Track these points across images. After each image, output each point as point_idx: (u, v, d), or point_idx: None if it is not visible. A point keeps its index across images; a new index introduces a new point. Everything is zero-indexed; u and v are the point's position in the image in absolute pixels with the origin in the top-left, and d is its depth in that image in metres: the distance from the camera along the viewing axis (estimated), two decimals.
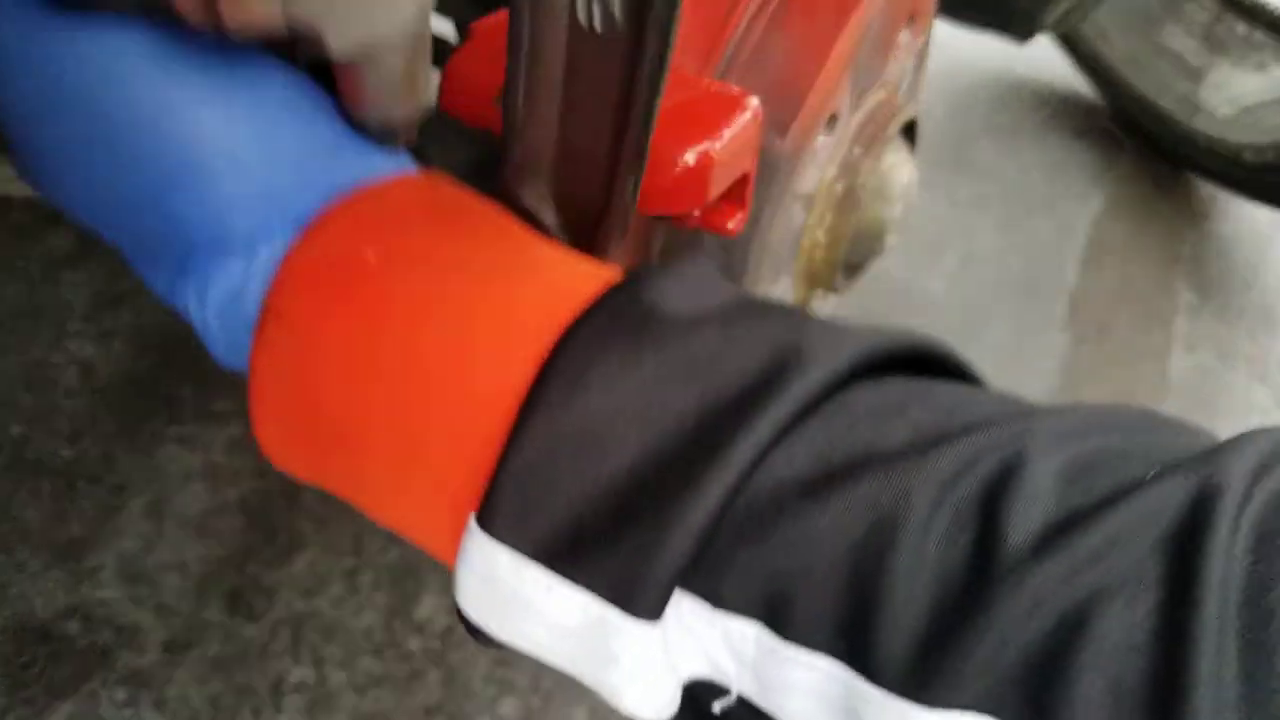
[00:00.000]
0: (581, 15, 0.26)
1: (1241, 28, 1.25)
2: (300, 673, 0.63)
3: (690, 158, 0.32)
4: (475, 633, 0.26)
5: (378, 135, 0.30)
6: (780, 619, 0.22)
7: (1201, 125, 1.19)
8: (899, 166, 0.49)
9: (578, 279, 0.26)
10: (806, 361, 0.23)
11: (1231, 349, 1.07)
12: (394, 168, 0.30)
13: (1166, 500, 0.21)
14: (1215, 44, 1.25)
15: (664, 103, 0.32)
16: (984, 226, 1.13)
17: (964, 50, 1.31)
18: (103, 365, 0.74)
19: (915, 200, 0.51)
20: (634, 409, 0.23)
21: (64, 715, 0.59)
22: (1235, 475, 0.21)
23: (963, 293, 1.04)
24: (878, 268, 0.62)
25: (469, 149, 0.38)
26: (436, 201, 0.28)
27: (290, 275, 0.26)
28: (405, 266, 0.26)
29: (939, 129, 1.23)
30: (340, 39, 0.26)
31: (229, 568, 0.66)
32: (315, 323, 0.25)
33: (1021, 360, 0.99)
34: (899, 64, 0.51)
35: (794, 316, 0.25)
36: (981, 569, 0.20)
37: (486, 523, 0.23)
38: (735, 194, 0.35)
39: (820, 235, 0.48)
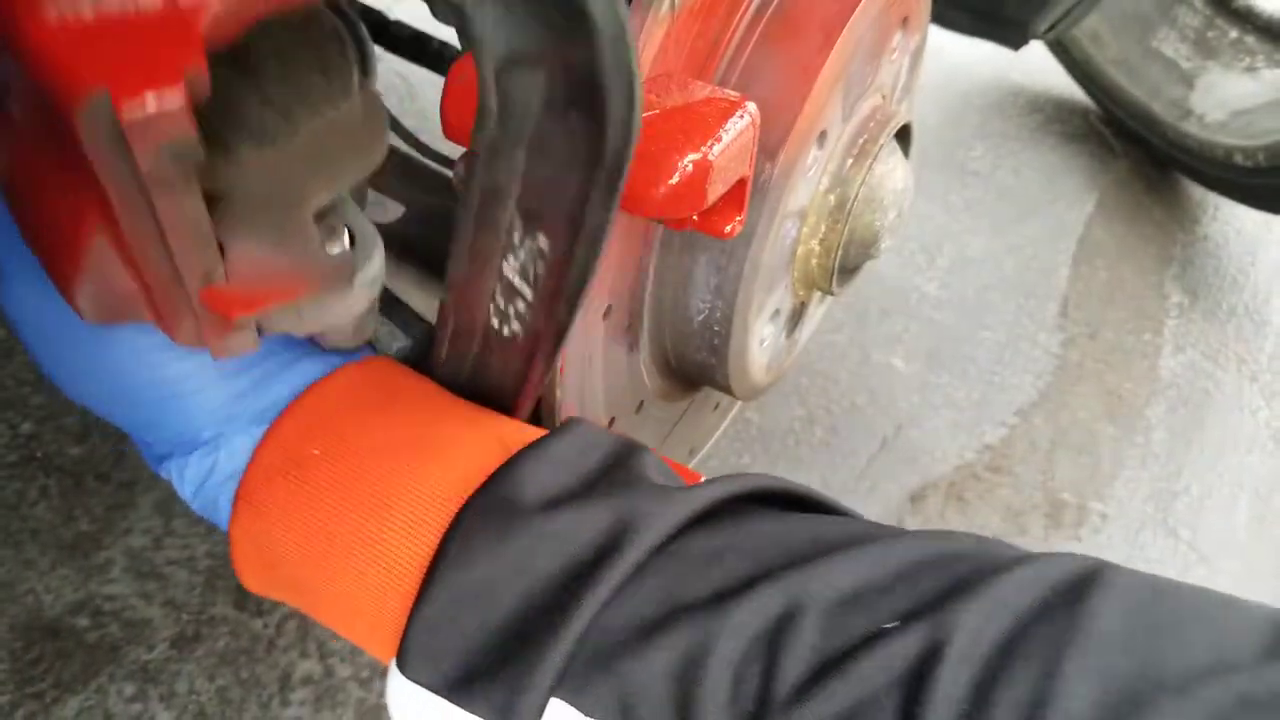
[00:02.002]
0: (495, 324, 0.36)
1: (1233, 32, 1.26)
2: (307, 666, 0.64)
3: (688, 163, 0.32)
4: None
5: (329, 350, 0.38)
6: None
7: (1192, 129, 1.20)
8: (893, 172, 0.49)
9: (471, 459, 0.34)
10: (640, 529, 0.31)
11: (1221, 349, 1.08)
12: (340, 361, 0.38)
13: (903, 649, 0.27)
14: (1206, 48, 1.27)
15: (662, 107, 0.33)
16: (978, 229, 1.14)
17: (959, 57, 1.32)
18: None
19: (911, 205, 0.52)
20: (509, 574, 0.30)
21: (73, 710, 0.60)
22: (964, 625, 0.27)
23: (956, 294, 1.06)
24: (872, 269, 0.64)
25: (423, 197, 0.42)
26: (367, 392, 0.36)
27: (254, 470, 0.34)
28: (341, 457, 0.34)
29: (933, 134, 1.24)
30: (302, 330, 0.33)
31: None
32: (274, 506, 0.34)
33: (1014, 360, 1.00)
34: (893, 67, 0.52)
35: (637, 486, 0.33)
36: (764, 701, 0.28)
37: (402, 665, 0.31)
38: (733, 198, 0.35)
39: (815, 245, 0.49)
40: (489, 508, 0.32)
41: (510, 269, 0.33)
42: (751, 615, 0.29)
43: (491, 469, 0.33)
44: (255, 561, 0.35)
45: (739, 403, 0.68)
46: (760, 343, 0.51)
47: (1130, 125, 1.27)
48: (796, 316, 0.55)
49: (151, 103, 0.22)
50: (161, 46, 0.22)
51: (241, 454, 0.35)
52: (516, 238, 0.32)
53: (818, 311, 0.59)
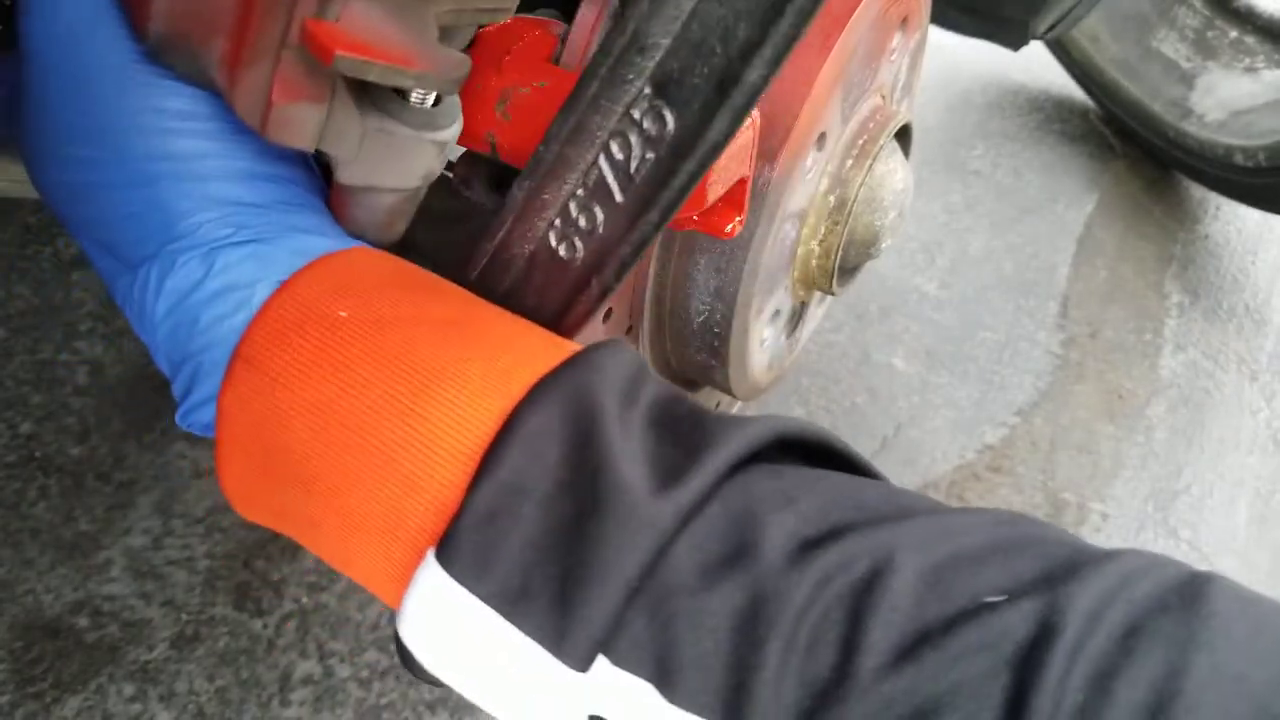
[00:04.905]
0: (553, 241, 0.32)
1: (1233, 32, 1.26)
2: (306, 667, 0.64)
3: None
4: (409, 664, 0.28)
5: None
6: (669, 683, 0.24)
7: (1192, 129, 1.20)
8: (893, 173, 0.49)
9: (529, 349, 0.29)
10: (715, 446, 0.27)
11: (1222, 348, 1.08)
12: (359, 243, 0.34)
13: (1012, 627, 0.23)
14: (1206, 49, 1.27)
15: None
16: (978, 229, 1.14)
17: (958, 56, 1.32)
18: (112, 364, 0.75)
19: (911, 205, 0.51)
20: (578, 477, 0.26)
21: (72, 710, 0.59)
22: (1078, 608, 0.24)
23: (956, 293, 1.06)
24: (873, 269, 0.64)
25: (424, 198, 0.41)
26: (398, 268, 0.32)
27: (264, 327, 0.29)
28: (374, 324, 0.29)
29: (933, 134, 1.24)
30: (348, 176, 0.31)
31: (236, 563, 0.67)
32: (288, 370, 0.28)
33: (1014, 360, 1.00)
34: (892, 67, 0.52)
35: (700, 414, 0.29)
36: (844, 669, 0.23)
37: (445, 561, 0.26)
38: (732, 198, 0.35)
39: (815, 246, 0.49)
40: (562, 399, 0.27)
41: (606, 163, 0.30)
42: (835, 568, 0.25)
43: (551, 363, 0.28)
44: (247, 440, 0.29)
45: (739, 402, 0.68)
46: (760, 343, 0.51)
47: (1130, 125, 1.27)
48: (797, 317, 0.55)
49: None
50: None
51: (235, 273, 0.30)
52: (637, 113, 0.29)
53: (818, 311, 0.59)
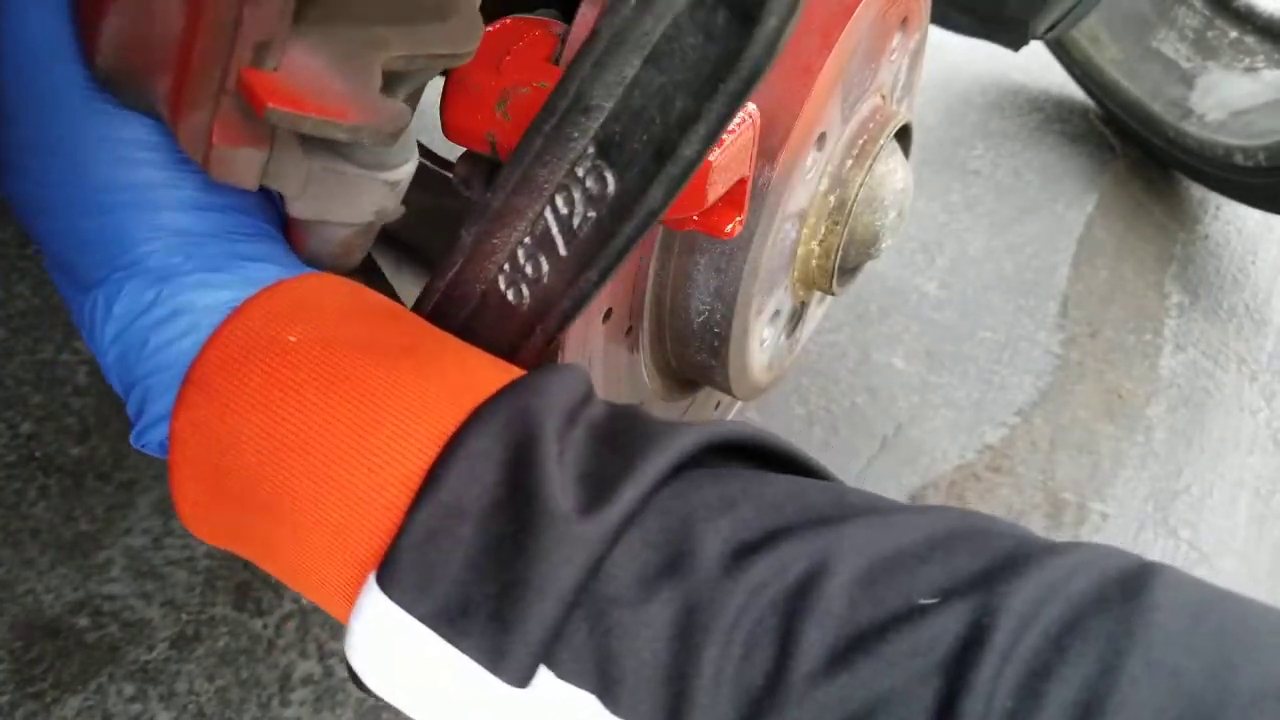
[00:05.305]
0: (502, 285, 0.33)
1: (1233, 32, 1.26)
2: (307, 667, 0.64)
3: None
4: (359, 684, 0.29)
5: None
6: (611, 694, 0.25)
7: (1192, 128, 1.20)
8: (893, 173, 0.49)
9: (475, 372, 0.30)
10: (651, 452, 0.27)
11: (1222, 348, 1.08)
12: (314, 270, 0.34)
13: (945, 629, 0.24)
14: (1206, 49, 1.27)
15: None
16: (977, 228, 1.14)
17: (958, 56, 1.32)
18: None
19: (911, 205, 0.51)
20: (513, 496, 0.26)
21: (72, 710, 0.59)
22: (1012, 608, 0.23)
23: (956, 293, 1.06)
24: (873, 269, 0.64)
25: (422, 198, 0.41)
26: (352, 294, 0.33)
27: (214, 351, 0.30)
28: (323, 347, 0.29)
29: (933, 134, 1.24)
30: (297, 210, 0.31)
31: (236, 563, 0.67)
32: (238, 394, 0.29)
33: (1014, 360, 1.00)
34: (892, 67, 0.52)
35: (643, 423, 0.29)
36: (778, 676, 0.24)
37: (385, 584, 0.26)
38: (732, 198, 0.35)
39: (815, 246, 0.49)
40: (505, 422, 0.27)
41: (551, 215, 0.30)
42: (770, 574, 0.25)
43: (496, 387, 0.29)
44: (199, 462, 0.29)
45: (740, 402, 0.68)
46: (760, 343, 0.51)
47: (1130, 125, 1.27)
48: (796, 317, 0.55)
49: None
50: None
51: (183, 299, 0.31)
52: (581, 171, 0.29)
53: (818, 311, 0.59)
